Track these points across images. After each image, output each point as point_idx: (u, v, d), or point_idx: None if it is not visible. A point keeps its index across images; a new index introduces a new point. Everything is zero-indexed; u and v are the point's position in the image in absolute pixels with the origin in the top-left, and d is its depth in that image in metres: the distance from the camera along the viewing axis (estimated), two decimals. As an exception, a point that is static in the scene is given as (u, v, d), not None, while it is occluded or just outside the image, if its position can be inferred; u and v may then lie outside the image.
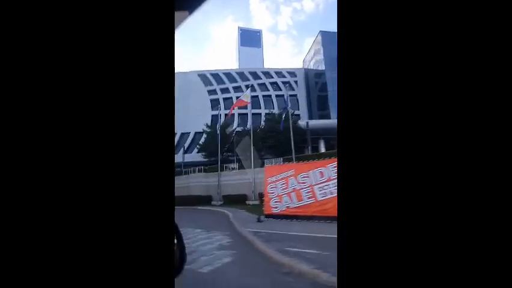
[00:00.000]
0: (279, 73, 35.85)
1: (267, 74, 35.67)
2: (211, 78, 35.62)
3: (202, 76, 35.91)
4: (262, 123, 31.43)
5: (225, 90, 35.10)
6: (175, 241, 0.87)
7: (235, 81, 35.51)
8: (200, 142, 31.49)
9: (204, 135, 30.91)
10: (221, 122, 24.55)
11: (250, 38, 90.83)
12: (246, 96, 19.36)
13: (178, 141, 33.56)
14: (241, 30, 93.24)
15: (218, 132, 21.60)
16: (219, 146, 20.90)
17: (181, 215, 12.78)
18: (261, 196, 16.72)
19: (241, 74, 35.93)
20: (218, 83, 35.37)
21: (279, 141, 21.33)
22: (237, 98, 34.19)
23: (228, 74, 36.07)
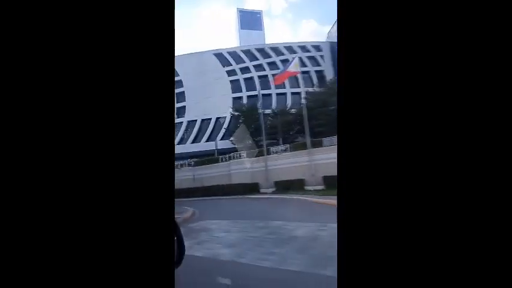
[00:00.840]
0: (302, 47, 32.77)
1: (289, 48, 32.57)
2: (229, 58, 32.49)
3: (219, 55, 32.74)
4: (289, 102, 28.89)
5: (245, 70, 32.07)
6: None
7: (256, 58, 32.43)
8: (223, 127, 28.87)
9: (228, 120, 28.29)
10: (253, 102, 21.80)
11: (250, 20, 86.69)
12: (296, 65, 16.55)
13: (199, 129, 30.83)
14: (240, 12, 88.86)
15: (260, 111, 18.91)
16: (263, 128, 18.24)
17: (254, 207, 10.43)
18: (325, 180, 14.45)
19: (262, 51, 32.81)
20: (237, 63, 32.27)
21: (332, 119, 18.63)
22: (259, 77, 31.34)
23: (247, 52, 32.93)
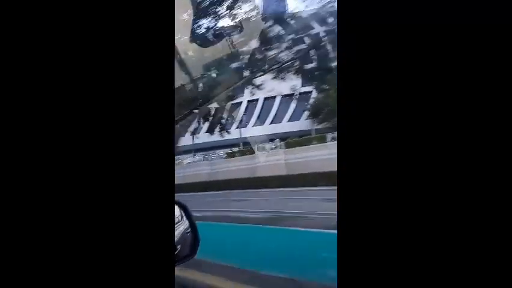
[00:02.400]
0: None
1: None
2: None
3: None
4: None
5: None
6: (188, 226, 0.82)
7: (311, 27, 29.12)
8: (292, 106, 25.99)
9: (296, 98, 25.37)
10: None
11: (274, 3, 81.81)
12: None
13: (246, 109, 27.91)
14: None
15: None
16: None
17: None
18: None
19: (316, 15, 29.45)
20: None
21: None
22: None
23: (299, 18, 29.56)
